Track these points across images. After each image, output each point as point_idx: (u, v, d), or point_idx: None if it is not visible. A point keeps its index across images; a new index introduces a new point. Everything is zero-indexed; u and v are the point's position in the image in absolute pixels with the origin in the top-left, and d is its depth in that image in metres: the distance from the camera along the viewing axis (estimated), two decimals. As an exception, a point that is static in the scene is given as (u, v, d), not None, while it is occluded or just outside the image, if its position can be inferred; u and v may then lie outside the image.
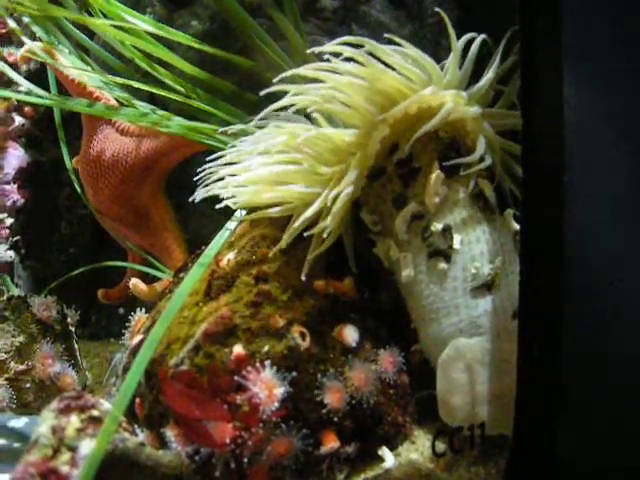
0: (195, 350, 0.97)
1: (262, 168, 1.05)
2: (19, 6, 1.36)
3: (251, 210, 1.10)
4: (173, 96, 1.32)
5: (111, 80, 1.41)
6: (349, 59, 1.00)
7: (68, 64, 1.44)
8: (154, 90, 1.31)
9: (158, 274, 1.51)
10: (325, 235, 1.01)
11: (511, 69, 1.08)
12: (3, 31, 1.72)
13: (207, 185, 1.10)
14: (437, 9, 1.04)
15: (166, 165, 1.50)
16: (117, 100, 1.42)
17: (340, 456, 0.97)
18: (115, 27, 1.32)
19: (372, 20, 1.39)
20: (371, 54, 0.99)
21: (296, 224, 1.01)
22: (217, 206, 1.08)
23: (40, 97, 1.41)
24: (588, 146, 0.81)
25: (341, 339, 1.01)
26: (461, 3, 1.34)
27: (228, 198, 1.08)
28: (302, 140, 1.00)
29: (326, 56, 1.00)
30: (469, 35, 1.03)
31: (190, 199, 1.10)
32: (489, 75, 1.05)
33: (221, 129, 1.21)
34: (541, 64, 0.84)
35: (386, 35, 1.02)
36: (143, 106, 1.36)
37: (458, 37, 1.02)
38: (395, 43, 1.02)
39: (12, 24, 1.48)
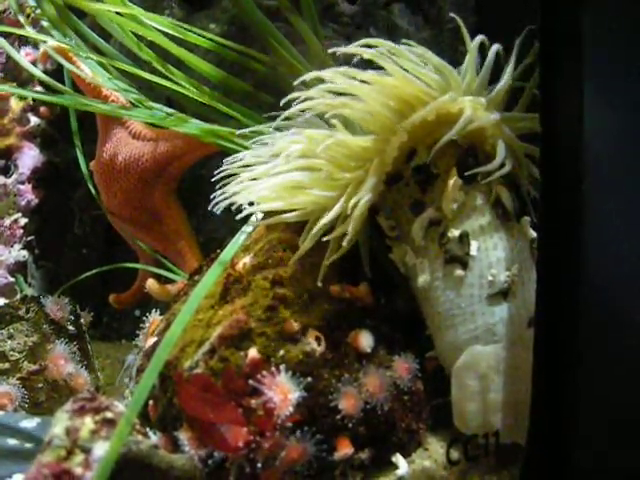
0: (210, 353, 0.97)
1: (281, 174, 1.05)
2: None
3: (267, 214, 1.09)
4: (190, 93, 1.32)
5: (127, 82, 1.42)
6: (368, 62, 0.99)
7: (85, 67, 1.44)
8: (169, 85, 1.31)
9: (170, 276, 1.51)
10: (345, 243, 1.00)
11: (527, 70, 1.06)
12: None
13: (225, 191, 1.09)
14: (453, 15, 1.03)
15: (178, 168, 1.50)
16: (132, 103, 1.42)
17: (354, 462, 0.96)
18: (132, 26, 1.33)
19: (390, 25, 1.38)
20: (390, 57, 0.98)
21: (314, 230, 1.01)
22: (238, 216, 1.07)
23: (56, 94, 1.41)
24: (607, 154, 0.81)
25: (356, 345, 1.00)
26: (480, 9, 1.33)
27: (248, 204, 1.07)
28: (321, 148, 0.99)
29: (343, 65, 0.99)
30: (482, 37, 1.01)
31: (210, 207, 1.09)
32: (506, 78, 1.04)
33: (240, 131, 1.21)
34: (560, 72, 0.83)
35: (404, 41, 1.01)
36: (159, 108, 1.36)
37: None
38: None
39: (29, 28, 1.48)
